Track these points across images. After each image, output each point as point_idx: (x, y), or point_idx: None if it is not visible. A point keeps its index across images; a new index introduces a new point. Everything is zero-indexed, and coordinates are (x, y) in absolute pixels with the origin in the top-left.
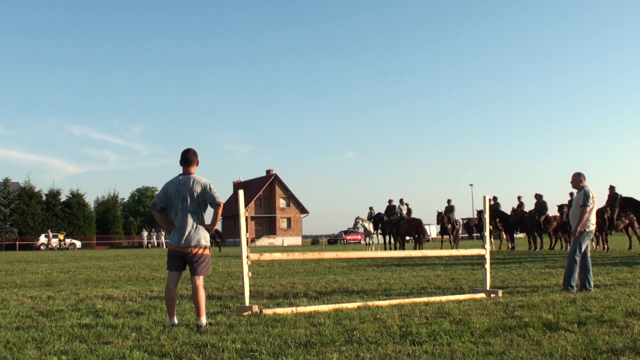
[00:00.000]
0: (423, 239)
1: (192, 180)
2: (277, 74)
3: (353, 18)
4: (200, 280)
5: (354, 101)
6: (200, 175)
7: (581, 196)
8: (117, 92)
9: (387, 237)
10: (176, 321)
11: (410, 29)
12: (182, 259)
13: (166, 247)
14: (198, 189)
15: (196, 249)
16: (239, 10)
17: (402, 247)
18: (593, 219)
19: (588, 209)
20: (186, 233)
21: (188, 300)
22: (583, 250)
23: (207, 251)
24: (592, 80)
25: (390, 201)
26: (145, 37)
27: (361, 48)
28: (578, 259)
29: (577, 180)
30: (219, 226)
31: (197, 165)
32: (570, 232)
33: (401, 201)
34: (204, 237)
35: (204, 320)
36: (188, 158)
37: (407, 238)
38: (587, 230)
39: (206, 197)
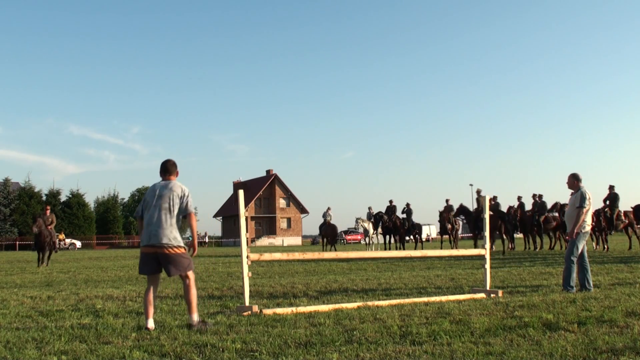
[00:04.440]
0: (335, 242)
1: (172, 184)
2: (277, 74)
3: (353, 18)
4: (190, 279)
5: (354, 101)
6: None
7: (578, 197)
8: (116, 92)
9: (387, 237)
10: (151, 325)
11: (410, 29)
12: (156, 260)
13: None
14: (178, 191)
15: (169, 249)
16: (238, 10)
17: (330, 248)
18: (589, 219)
19: (585, 210)
20: (157, 229)
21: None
22: (580, 250)
23: (182, 249)
24: (592, 80)
25: (390, 201)
26: (145, 37)
27: (361, 48)
28: (575, 259)
29: (573, 181)
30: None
31: (176, 175)
32: (567, 232)
33: (328, 208)
34: (177, 236)
35: (195, 317)
36: (167, 168)
37: (407, 238)
38: (583, 231)
39: (182, 202)
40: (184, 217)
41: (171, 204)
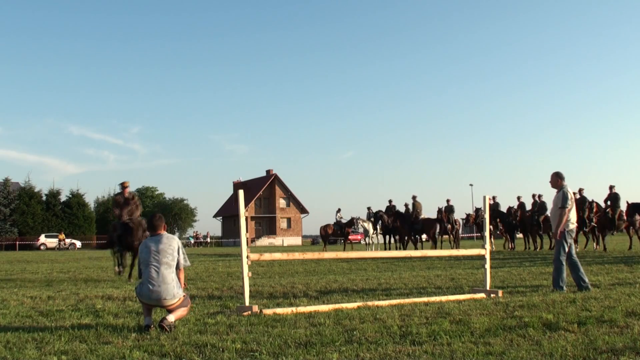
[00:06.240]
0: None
1: (165, 237)
2: (277, 74)
3: (352, 18)
4: (187, 307)
5: (354, 101)
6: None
7: (560, 197)
8: (115, 92)
9: (387, 236)
10: (150, 322)
11: (410, 29)
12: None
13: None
14: (174, 245)
15: (169, 304)
16: (238, 10)
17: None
18: (573, 217)
19: (567, 210)
20: (159, 287)
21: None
22: (567, 249)
23: (181, 298)
24: (591, 80)
25: (390, 201)
26: (145, 37)
27: (361, 48)
28: (564, 259)
29: (557, 179)
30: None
31: (164, 229)
32: (552, 232)
33: (339, 210)
34: (179, 290)
35: (172, 319)
36: (154, 224)
37: (406, 238)
38: (567, 229)
39: (180, 256)
40: (176, 268)
41: (170, 258)
